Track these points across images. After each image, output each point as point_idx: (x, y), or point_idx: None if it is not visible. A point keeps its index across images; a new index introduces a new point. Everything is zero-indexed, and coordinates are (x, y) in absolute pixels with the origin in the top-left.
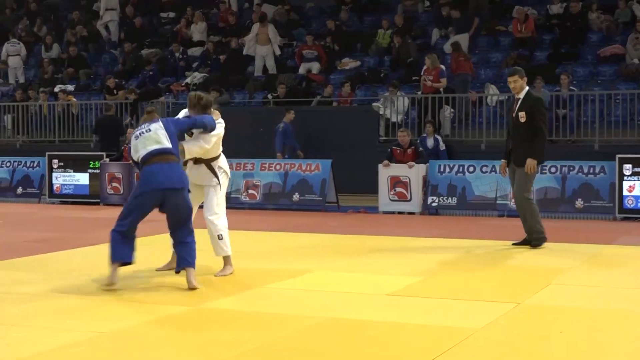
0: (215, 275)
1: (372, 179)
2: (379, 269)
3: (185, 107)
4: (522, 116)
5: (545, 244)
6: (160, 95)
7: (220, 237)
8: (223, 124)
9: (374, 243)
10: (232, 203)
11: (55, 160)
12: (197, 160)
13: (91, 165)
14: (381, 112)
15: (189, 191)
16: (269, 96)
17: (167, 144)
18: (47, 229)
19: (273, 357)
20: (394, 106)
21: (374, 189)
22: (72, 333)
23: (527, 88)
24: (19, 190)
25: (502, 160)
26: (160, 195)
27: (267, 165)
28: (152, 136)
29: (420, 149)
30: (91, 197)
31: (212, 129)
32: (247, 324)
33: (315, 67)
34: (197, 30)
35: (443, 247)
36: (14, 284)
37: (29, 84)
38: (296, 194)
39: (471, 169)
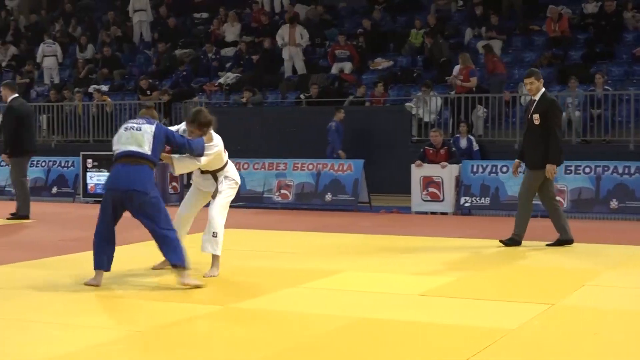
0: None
1: (405, 179)
2: (411, 269)
3: (208, 109)
4: (537, 118)
5: (580, 245)
6: (194, 95)
7: (214, 235)
8: (219, 146)
9: (405, 243)
10: (265, 203)
11: (90, 160)
12: (204, 170)
13: None
14: (414, 112)
15: (158, 197)
16: (302, 96)
17: (146, 149)
18: (81, 228)
19: (304, 357)
20: (426, 106)
21: (407, 189)
22: (107, 331)
23: (543, 90)
24: (54, 189)
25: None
26: (121, 196)
27: (299, 165)
28: (137, 136)
29: (453, 149)
30: None
31: (199, 155)
32: (278, 324)
33: (347, 67)
34: (230, 31)
35: (475, 247)
36: (47, 282)
37: (64, 84)
38: (328, 194)
39: (504, 169)
